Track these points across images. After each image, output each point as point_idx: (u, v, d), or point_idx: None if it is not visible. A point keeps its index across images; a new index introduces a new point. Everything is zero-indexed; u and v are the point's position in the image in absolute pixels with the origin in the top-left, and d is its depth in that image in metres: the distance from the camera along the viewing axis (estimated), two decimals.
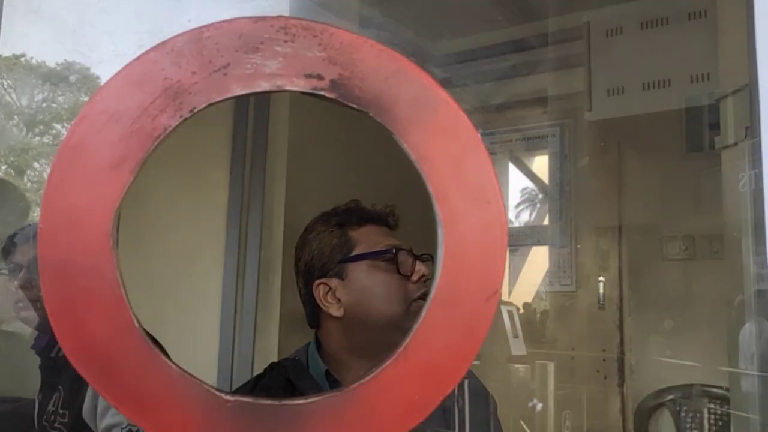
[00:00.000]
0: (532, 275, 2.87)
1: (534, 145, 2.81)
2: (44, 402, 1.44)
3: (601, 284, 2.65)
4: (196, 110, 0.27)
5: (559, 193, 2.66)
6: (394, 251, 1.05)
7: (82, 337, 0.28)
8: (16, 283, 1.41)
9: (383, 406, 0.29)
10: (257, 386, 1.09)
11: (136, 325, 0.29)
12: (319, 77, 0.28)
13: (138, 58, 0.26)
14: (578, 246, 2.66)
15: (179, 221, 2.10)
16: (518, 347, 2.50)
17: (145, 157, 0.27)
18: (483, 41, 2.26)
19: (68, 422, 1.37)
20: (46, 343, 1.46)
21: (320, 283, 1.08)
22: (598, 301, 2.65)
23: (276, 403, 0.29)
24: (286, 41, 0.28)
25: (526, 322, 2.79)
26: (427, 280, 1.03)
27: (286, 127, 1.97)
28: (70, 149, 0.26)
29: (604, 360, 2.58)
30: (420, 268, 1.04)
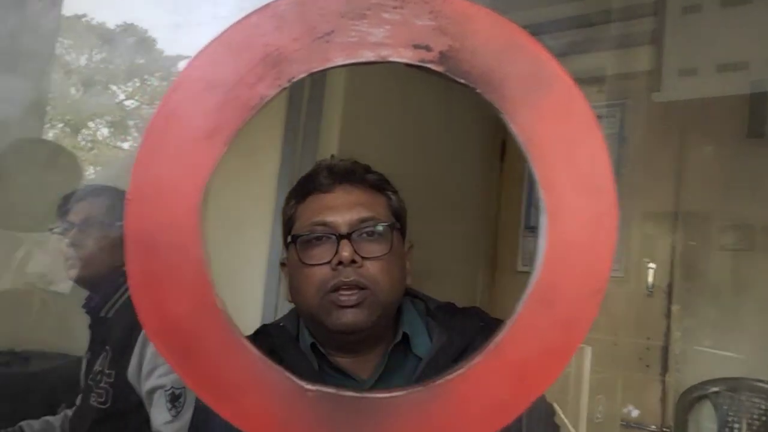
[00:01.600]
0: None
1: None
2: (92, 361, 1.47)
3: (651, 271, 2.59)
4: (294, 79, 0.25)
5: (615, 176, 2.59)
6: (294, 239, 0.91)
7: (164, 316, 0.26)
8: (66, 241, 1.43)
9: (471, 404, 0.27)
10: None
11: (220, 306, 0.27)
12: (428, 48, 0.25)
13: (239, 22, 0.24)
14: (630, 231, 2.59)
15: (229, 187, 2.11)
16: None
17: (240, 128, 0.25)
18: (546, 15, 2.19)
19: (114, 382, 1.40)
20: (97, 303, 1.48)
21: (282, 261, 1.01)
22: (647, 288, 2.59)
23: (358, 394, 0.27)
24: (395, 7, 0.25)
25: None
26: (351, 264, 0.88)
27: (342, 96, 1.95)
28: (163, 118, 0.25)
29: (647, 348, 2.53)
30: (342, 252, 0.87)
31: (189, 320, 0.27)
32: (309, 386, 0.27)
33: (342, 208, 0.90)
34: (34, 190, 1.67)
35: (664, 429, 2.45)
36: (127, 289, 1.44)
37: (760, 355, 2.31)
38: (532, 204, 2.87)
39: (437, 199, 2.18)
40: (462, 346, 0.92)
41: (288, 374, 0.27)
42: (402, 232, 0.98)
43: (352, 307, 0.87)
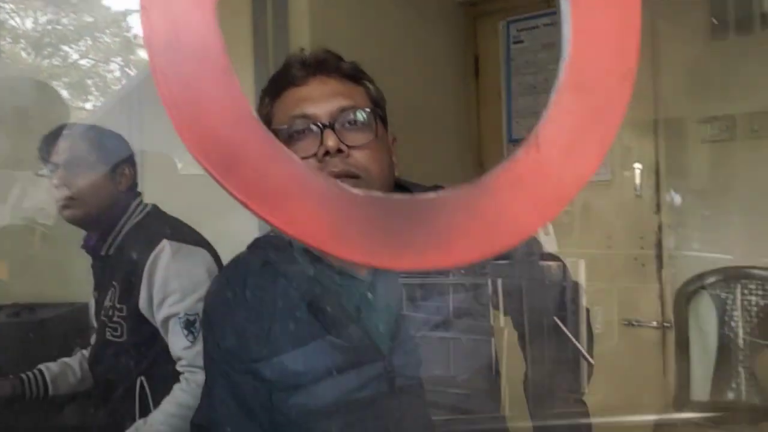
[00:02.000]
0: None
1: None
2: (100, 299, 1.48)
3: (638, 172, 2.61)
4: None
5: None
6: (280, 129, 0.88)
7: (201, 128, 0.26)
8: (55, 182, 1.42)
9: (518, 198, 0.27)
10: (235, 270, 1.01)
11: (254, 114, 0.27)
12: None
13: None
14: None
15: None
16: (550, 244, 2.48)
17: None
18: None
19: (126, 315, 1.41)
20: (96, 242, 1.48)
21: None
22: (635, 189, 2.61)
23: (407, 197, 0.27)
24: None
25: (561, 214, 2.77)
26: (340, 152, 0.85)
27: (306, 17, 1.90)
28: None
29: (641, 248, 2.58)
30: (326, 141, 0.84)
31: (227, 130, 0.26)
32: (357, 191, 0.27)
33: (320, 99, 0.87)
34: (21, 127, 1.63)
35: (665, 324, 2.52)
36: (125, 224, 1.44)
37: (749, 241, 2.35)
38: (512, 117, 2.85)
39: (414, 121, 2.15)
40: None
41: (335, 181, 0.27)
42: (384, 121, 0.96)
43: None
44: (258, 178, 0.27)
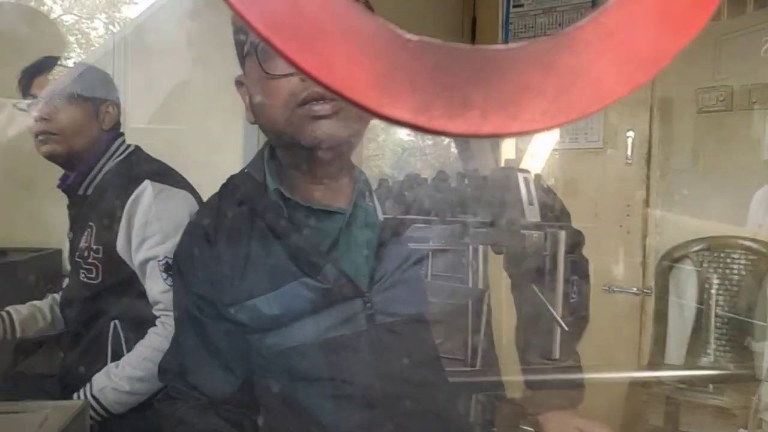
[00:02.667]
0: (548, 140, 2.79)
1: None
2: (75, 240, 1.41)
3: (630, 140, 2.58)
4: None
5: None
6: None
7: None
8: (35, 115, 1.34)
9: (604, 56, 0.22)
10: (208, 213, 0.96)
11: None
12: None
13: None
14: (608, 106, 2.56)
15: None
16: (533, 214, 2.46)
17: None
18: None
19: (102, 257, 1.34)
20: (73, 181, 1.41)
21: (238, 79, 0.91)
22: (626, 158, 2.59)
23: (470, 47, 0.22)
24: None
25: (546, 180, 2.75)
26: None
27: None
28: None
29: (627, 215, 2.56)
30: None
31: None
32: (409, 36, 0.22)
33: None
34: (13, 54, 1.54)
35: (645, 290, 2.52)
36: (106, 163, 1.37)
37: (735, 212, 2.35)
38: None
39: None
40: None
41: (384, 21, 0.21)
42: None
43: (327, 117, 0.79)
44: (287, 8, 0.22)
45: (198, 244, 0.92)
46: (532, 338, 1.06)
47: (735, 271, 2.34)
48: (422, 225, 0.90)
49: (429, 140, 3.95)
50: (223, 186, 0.97)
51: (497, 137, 0.23)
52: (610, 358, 2.52)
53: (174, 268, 0.99)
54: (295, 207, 0.89)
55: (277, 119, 0.82)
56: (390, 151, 4.06)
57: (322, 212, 0.88)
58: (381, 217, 0.91)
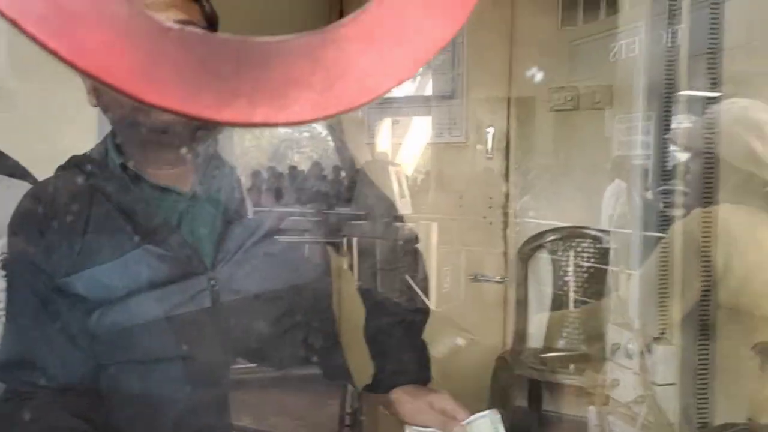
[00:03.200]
0: (419, 135, 2.87)
1: None
2: None
3: (490, 135, 2.71)
4: None
5: (451, 44, 2.63)
6: None
7: None
8: None
9: (368, 52, 0.23)
10: (45, 187, 0.93)
11: None
12: None
13: None
14: (469, 103, 2.68)
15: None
16: (405, 206, 2.53)
17: None
18: None
19: None
20: None
21: None
22: (486, 152, 2.71)
23: (237, 38, 0.22)
24: None
25: (415, 174, 2.83)
26: None
27: None
28: None
29: (490, 207, 2.69)
30: None
31: None
32: (172, 24, 0.22)
33: (154, 6, 0.81)
34: None
35: (506, 278, 2.66)
36: None
37: (586, 204, 2.53)
38: None
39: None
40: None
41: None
42: None
43: None
44: None
45: (34, 213, 0.87)
46: (391, 328, 1.07)
47: (585, 259, 2.52)
48: (266, 209, 0.91)
49: (306, 132, 3.95)
50: (64, 164, 0.93)
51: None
52: (476, 344, 2.63)
53: (10, 239, 0.93)
54: (138, 181, 0.87)
55: (122, 102, 0.80)
56: (267, 142, 4.02)
57: (166, 190, 0.88)
58: (250, 212, 0.92)
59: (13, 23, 0.21)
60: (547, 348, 2.53)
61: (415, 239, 1.08)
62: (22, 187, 1.25)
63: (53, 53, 0.21)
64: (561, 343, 2.55)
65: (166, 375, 0.86)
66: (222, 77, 0.23)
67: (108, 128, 0.94)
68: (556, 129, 2.65)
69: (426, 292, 1.07)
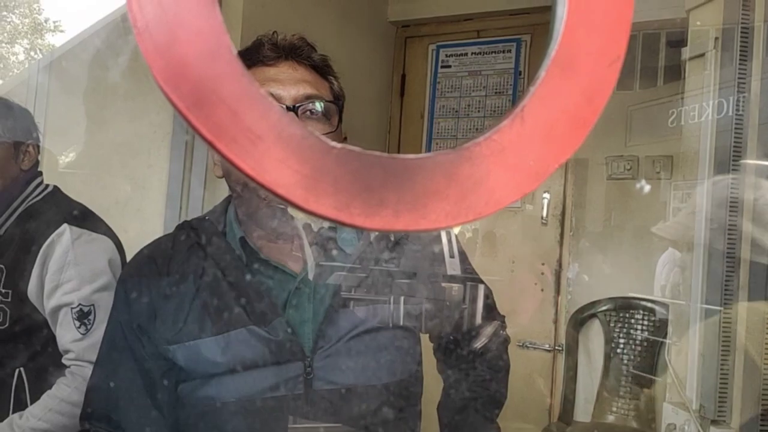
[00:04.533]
0: None
1: (490, 60, 2.78)
2: None
3: (546, 201, 2.71)
4: None
5: None
6: None
7: (173, 57, 0.23)
8: None
9: (498, 168, 0.27)
10: (160, 248, 0.95)
11: (234, 52, 0.24)
12: None
13: None
14: None
15: (125, 112, 2.00)
16: (453, 267, 2.53)
17: None
18: None
19: (11, 302, 1.30)
20: None
21: None
22: (541, 218, 2.72)
23: (385, 155, 0.26)
24: None
25: (464, 238, 2.84)
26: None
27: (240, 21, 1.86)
28: None
29: (542, 273, 2.68)
30: None
31: (202, 63, 0.24)
32: (334, 143, 0.25)
33: (287, 83, 0.87)
34: None
35: (557, 347, 2.62)
36: (21, 203, 1.33)
37: (641, 275, 2.49)
38: (432, 138, 2.91)
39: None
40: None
41: (311, 130, 0.25)
42: (340, 118, 0.96)
43: None
44: (229, 117, 0.25)
45: (146, 274, 0.91)
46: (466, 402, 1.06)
47: (639, 331, 2.47)
48: (373, 299, 0.92)
49: None
50: (179, 226, 0.97)
51: (407, 232, 0.26)
52: (522, 413, 2.58)
53: (117, 293, 0.96)
54: (253, 257, 0.90)
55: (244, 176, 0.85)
56: None
57: (278, 269, 0.90)
58: (331, 284, 0.92)
59: (209, 144, 0.24)
60: (596, 423, 2.47)
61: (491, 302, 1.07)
62: (103, 242, 1.33)
63: (239, 169, 0.25)
64: (611, 418, 2.48)
65: None
66: (372, 189, 0.26)
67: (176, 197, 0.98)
68: (612, 196, 2.64)
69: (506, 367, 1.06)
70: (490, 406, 1.00)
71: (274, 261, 0.90)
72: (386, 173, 0.26)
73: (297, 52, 0.90)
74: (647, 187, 2.53)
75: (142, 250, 0.97)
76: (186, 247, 0.92)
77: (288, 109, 0.85)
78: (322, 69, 0.93)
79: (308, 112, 0.87)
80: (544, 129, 0.28)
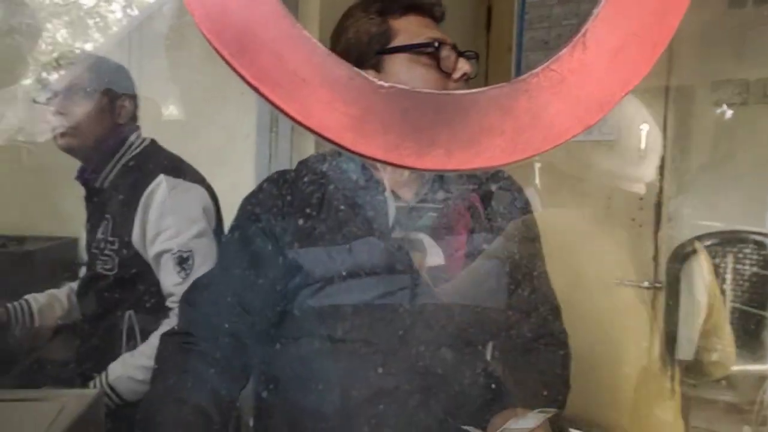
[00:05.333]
0: None
1: None
2: (92, 232, 1.45)
3: (644, 132, 2.57)
4: None
5: None
6: (437, 44, 0.94)
7: (214, 4, 0.23)
8: (52, 110, 1.38)
9: (557, 100, 0.25)
10: (284, 175, 1.05)
11: None
12: None
13: None
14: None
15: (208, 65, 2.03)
16: (535, 204, 2.47)
17: None
18: None
19: (118, 249, 1.39)
20: (90, 174, 1.45)
21: None
22: (639, 150, 2.58)
23: (436, 92, 0.25)
24: None
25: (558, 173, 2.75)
26: (468, 79, 0.96)
27: None
28: None
29: (641, 209, 2.56)
30: (463, 65, 0.95)
31: (242, 8, 0.23)
32: (382, 83, 0.24)
33: (442, 32, 0.97)
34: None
35: (656, 284, 2.52)
36: (122, 156, 1.41)
37: (752, 206, 2.34)
38: (521, 72, 2.80)
39: None
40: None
41: (358, 71, 0.24)
42: None
43: None
44: (273, 61, 0.24)
45: (275, 192, 1.02)
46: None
47: (747, 266, 2.33)
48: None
49: None
50: (301, 161, 1.08)
51: (460, 172, 0.25)
52: (622, 352, 2.53)
53: (242, 208, 1.05)
54: (371, 182, 0.99)
55: None
56: None
57: (394, 195, 1.00)
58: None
59: (255, 89, 0.24)
60: (699, 361, 2.38)
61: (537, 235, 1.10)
62: (198, 191, 1.39)
63: (285, 114, 0.24)
64: (714, 356, 2.39)
65: (351, 356, 0.94)
66: (422, 129, 0.25)
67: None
68: (718, 124, 2.47)
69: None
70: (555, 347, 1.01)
71: (391, 187, 0.99)
72: (437, 111, 0.25)
73: (436, 9, 1.01)
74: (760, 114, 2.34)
75: (269, 176, 1.07)
76: (311, 171, 1.02)
77: (461, 53, 0.96)
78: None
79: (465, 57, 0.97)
80: (608, 55, 0.26)
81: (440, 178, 1.01)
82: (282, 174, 1.06)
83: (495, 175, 1.07)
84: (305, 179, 1.01)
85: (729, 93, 2.35)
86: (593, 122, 0.26)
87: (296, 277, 0.96)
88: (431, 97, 0.25)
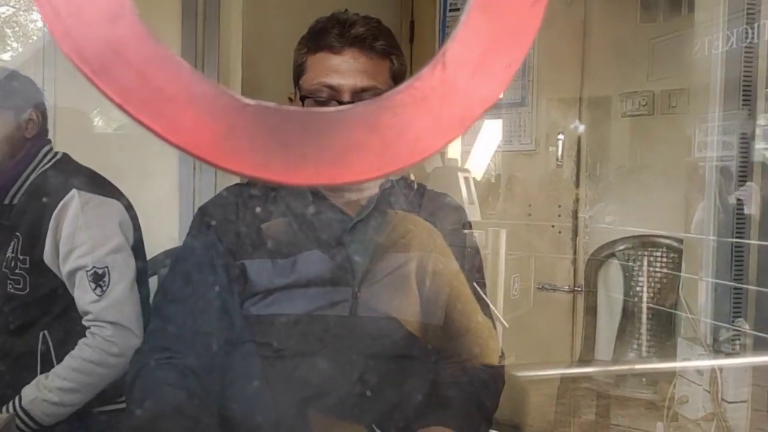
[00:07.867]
0: (489, 141, 2.85)
1: None
2: (2, 251, 1.39)
3: (561, 143, 2.67)
4: None
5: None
6: (323, 95, 0.97)
7: (75, 23, 0.23)
8: None
9: (421, 116, 0.26)
10: (234, 190, 1.08)
11: (137, 14, 0.24)
12: None
13: None
14: (540, 108, 2.65)
15: None
16: (474, 213, 2.53)
17: None
18: None
19: (29, 267, 1.33)
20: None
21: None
22: (557, 159, 2.68)
23: (302, 109, 0.26)
24: None
25: (483, 183, 2.82)
26: None
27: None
28: None
29: (559, 216, 2.66)
30: None
31: (105, 26, 0.24)
32: (248, 100, 0.25)
33: (348, 74, 0.95)
34: None
35: (576, 288, 2.62)
36: (31, 172, 1.35)
37: (661, 213, 2.46)
38: None
39: None
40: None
41: (224, 88, 0.25)
42: None
43: None
44: (137, 79, 0.25)
45: (227, 204, 1.04)
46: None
47: (658, 269, 2.45)
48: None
49: None
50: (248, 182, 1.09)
51: (332, 186, 0.26)
52: (545, 354, 2.61)
53: (195, 220, 1.06)
54: (317, 199, 1.00)
55: None
56: None
57: (339, 211, 1.02)
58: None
59: (119, 107, 0.24)
60: (616, 360, 2.48)
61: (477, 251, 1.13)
62: (113, 205, 1.35)
63: (152, 131, 0.25)
64: (630, 356, 2.49)
65: (294, 366, 0.96)
66: (290, 146, 0.26)
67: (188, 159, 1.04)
68: (629, 133, 2.59)
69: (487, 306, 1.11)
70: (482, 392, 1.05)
71: (337, 204, 1.01)
72: (304, 129, 0.26)
73: (360, 42, 0.97)
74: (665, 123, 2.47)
75: (222, 191, 1.09)
76: (260, 188, 1.05)
77: (343, 103, 0.94)
78: (384, 52, 1.00)
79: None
80: (466, 74, 0.28)
81: (387, 194, 1.04)
82: (234, 189, 1.08)
83: (437, 193, 1.12)
84: (256, 195, 1.04)
85: (637, 104, 2.47)
86: (456, 137, 0.28)
87: (243, 285, 0.99)
88: (298, 115, 0.26)
